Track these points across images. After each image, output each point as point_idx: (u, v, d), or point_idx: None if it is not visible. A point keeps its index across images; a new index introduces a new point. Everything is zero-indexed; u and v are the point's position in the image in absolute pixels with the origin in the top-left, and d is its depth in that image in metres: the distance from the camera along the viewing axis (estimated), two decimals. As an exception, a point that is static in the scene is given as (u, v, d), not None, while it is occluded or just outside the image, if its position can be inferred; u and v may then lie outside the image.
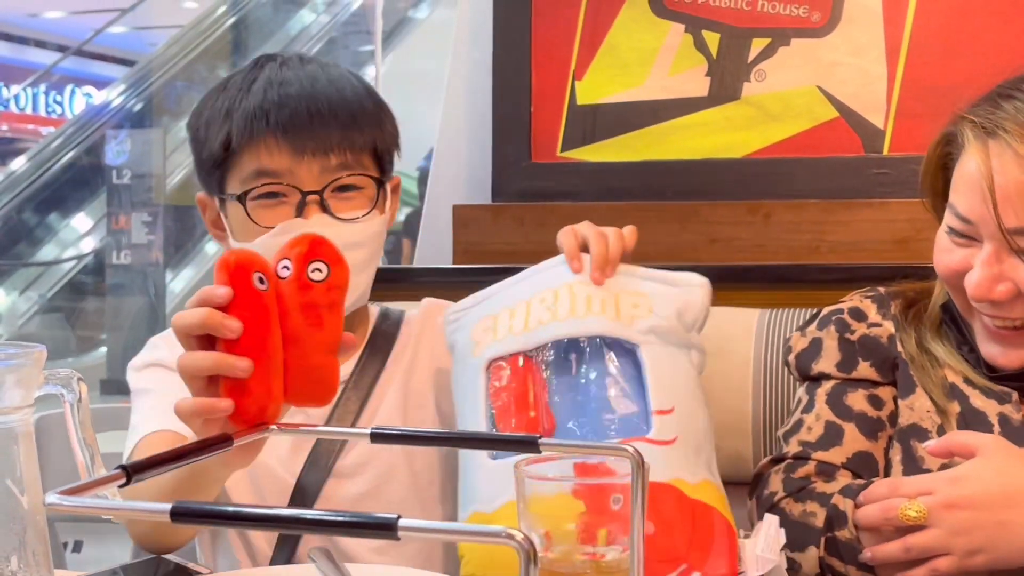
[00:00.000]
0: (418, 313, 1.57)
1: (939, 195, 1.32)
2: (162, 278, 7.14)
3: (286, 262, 0.94)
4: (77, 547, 2.50)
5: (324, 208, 1.38)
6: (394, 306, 1.61)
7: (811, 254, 1.83)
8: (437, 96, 2.17)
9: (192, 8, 10.02)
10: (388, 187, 1.47)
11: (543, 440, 0.87)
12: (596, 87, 1.96)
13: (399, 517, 0.63)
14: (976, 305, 1.24)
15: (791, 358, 1.40)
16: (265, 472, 1.41)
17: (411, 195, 5.45)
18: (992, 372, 1.28)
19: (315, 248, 0.94)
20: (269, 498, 1.40)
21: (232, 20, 9.01)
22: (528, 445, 0.88)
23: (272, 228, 1.37)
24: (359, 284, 1.43)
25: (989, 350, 1.26)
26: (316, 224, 1.35)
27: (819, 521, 1.19)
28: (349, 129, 1.40)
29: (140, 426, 1.40)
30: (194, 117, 1.47)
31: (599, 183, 1.94)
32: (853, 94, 1.84)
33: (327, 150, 1.38)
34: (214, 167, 1.42)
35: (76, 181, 8.19)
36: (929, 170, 1.32)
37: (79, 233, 8.14)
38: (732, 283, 1.80)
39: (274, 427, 0.92)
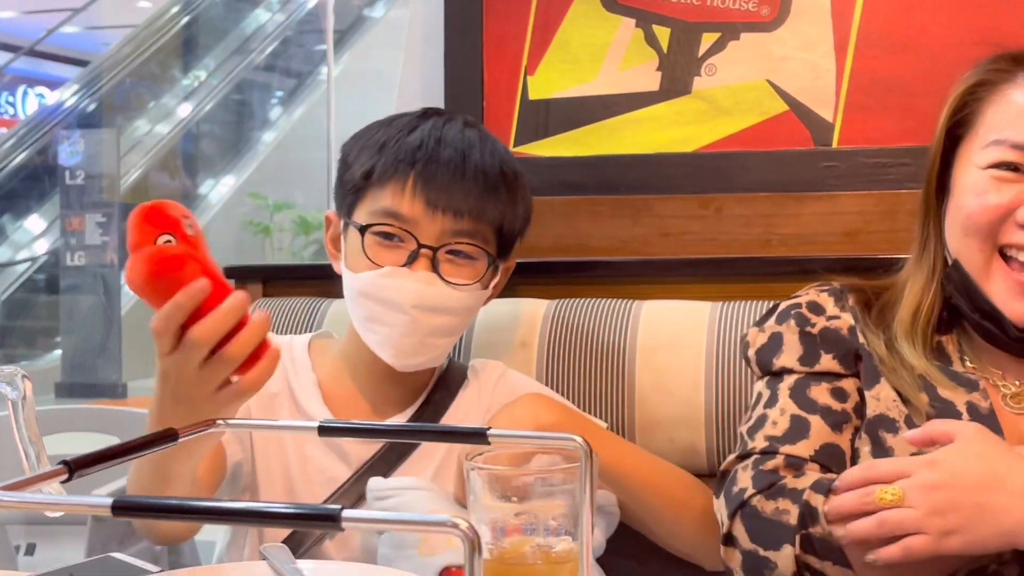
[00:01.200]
0: (474, 375, 1.60)
1: (942, 160, 1.33)
2: (117, 279, 7.08)
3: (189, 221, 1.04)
4: (30, 550, 2.47)
5: (434, 265, 1.43)
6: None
7: (762, 247, 1.84)
8: (389, 94, 2.16)
9: (146, 7, 9.95)
10: (501, 266, 1.52)
11: (492, 431, 0.87)
12: (548, 82, 1.96)
13: (343, 508, 0.62)
14: (1019, 240, 1.24)
15: (751, 353, 1.39)
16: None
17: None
18: (1020, 332, 1.26)
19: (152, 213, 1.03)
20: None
21: (186, 19, 8.96)
22: (477, 436, 0.88)
23: (380, 267, 1.43)
24: (438, 346, 1.49)
25: (1018, 308, 1.25)
26: (420, 279, 1.42)
27: (792, 519, 1.18)
28: (484, 200, 1.45)
29: None
30: (351, 140, 1.53)
31: (552, 177, 1.94)
32: (802, 88, 1.85)
33: (457, 212, 1.43)
34: (351, 191, 1.48)
35: (29, 182, 8.12)
36: (943, 131, 1.33)
37: (32, 235, 8.07)
38: (684, 276, 1.81)
39: (221, 421, 0.91)
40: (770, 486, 1.23)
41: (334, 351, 1.57)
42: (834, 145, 1.84)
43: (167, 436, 0.84)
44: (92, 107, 8.29)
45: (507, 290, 1.66)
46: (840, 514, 1.13)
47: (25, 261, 7.91)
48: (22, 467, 0.96)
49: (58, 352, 7.27)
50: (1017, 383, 1.29)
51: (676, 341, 1.67)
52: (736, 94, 1.88)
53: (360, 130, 1.55)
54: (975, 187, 1.27)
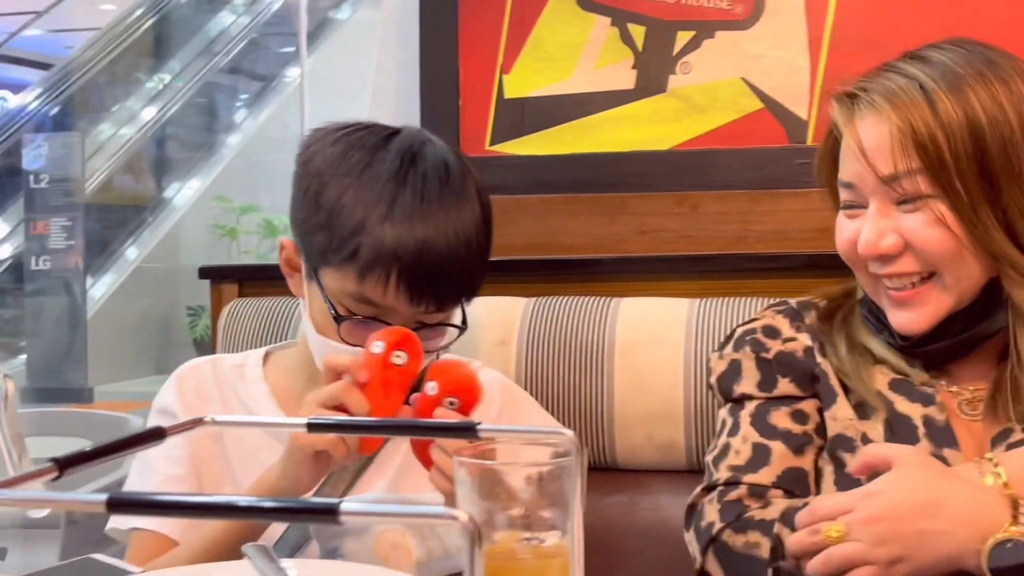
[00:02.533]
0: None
1: (833, 186, 1.35)
2: (82, 283, 7.02)
3: (379, 343, 1.23)
4: (0, 554, 2.44)
5: None
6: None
7: (738, 244, 1.85)
8: (360, 96, 2.16)
9: (110, 10, 9.85)
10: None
11: (482, 425, 0.87)
12: (523, 81, 1.96)
13: (341, 501, 0.62)
14: (872, 268, 1.26)
15: (713, 381, 1.39)
16: None
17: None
18: (904, 341, 1.28)
19: (403, 340, 1.23)
20: None
21: (151, 21, 8.89)
22: (467, 431, 0.87)
23: (347, 342, 1.37)
24: None
25: (897, 319, 1.27)
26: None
27: (764, 552, 1.18)
28: (464, 290, 1.40)
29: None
30: (315, 178, 1.39)
31: (529, 176, 1.94)
32: (777, 85, 1.86)
33: (440, 304, 1.39)
34: (321, 250, 1.37)
35: (-8, 186, 8.02)
36: (823, 163, 1.35)
37: (-3, 239, 7.96)
38: (662, 274, 1.81)
39: (209, 419, 0.90)
40: (737, 518, 1.23)
41: (293, 358, 1.54)
42: (809, 142, 1.85)
43: (155, 434, 0.83)
44: (56, 110, 8.21)
45: (484, 288, 1.66)
46: (795, 553, 1.14)
47: (-12, 266, 7.82)
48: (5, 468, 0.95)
49: (23, 357, 7.19)
50: (971, 388, 1.30)
51: (654, 338, 1.67)
52: (711, 92, 1.88)
53: (328, 160, 1.40)
54: (838, 225, 1.31)
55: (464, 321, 1.45)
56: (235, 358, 1.55)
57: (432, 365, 1.23)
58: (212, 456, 1.47)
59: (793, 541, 1.14)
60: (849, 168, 1.26)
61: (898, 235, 1.23)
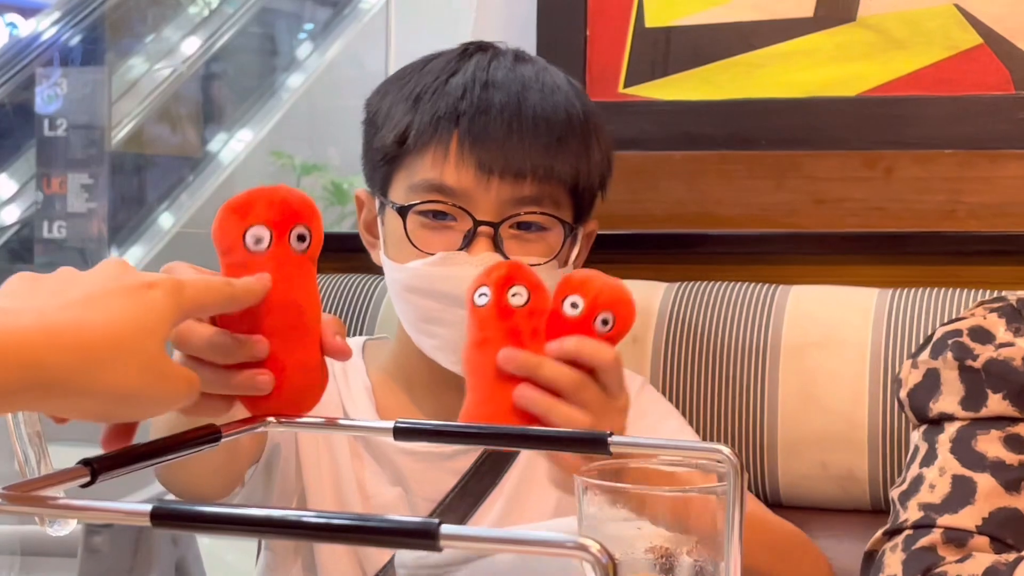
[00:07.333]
0: None
1: None
2: (105, 256, 7.17)
3: (484, 289, 1.15)
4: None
5: (496, 245, 1.43)
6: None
7: (945, 219, 1.83)
8: (461, 25, 2.18)
9: (144, -85, 10.04)
10: (580, 232, 1.52)
11: (615, 438, 0.87)
12: (669, 5, 1.96)
13: (440, 523, 0.63)
14: None
15: (903, 395, 1.39)
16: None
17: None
18: None
19: (514, 274, 1.16)
20: None
21: (196, -70, 9.03)
22: (596, 444, 0.88)
23: (430, 255, 1.42)
24: None
25: None
26: (481, 263, 1.37)
27: None
28: (550, 154, 1.44)
29: None
30: (376, 95, 1.53)
31: (673, 127, 1.95)
32: (1001, 15, 1.84)
33: (518, 175, 1.43)
34: (382, 162, 1.48)
35: (-3, 133, 8.20)
36: None
37: (0, 199, 8.16)
38: (843, 255, 1.82)
39: (271, 419, 0.92)
40: (926, 572, 1.22)
41: (385, 354, 1.60)
42: (1041, 89, 1.83)
43: (209, 435, 0.85)
44: (76, 40, 8.38)
45: (614, 270, 1.66)
46: None
47: (-9, 233, 8.02)
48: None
49: (32, 346, 7.35)
50: None
51: (833, 338, 1.67)
52: (914, 22, 1.87)
53: (387, 79, 1.54)
54: None
55: (575, 221, 1.48)
56: None
57: (565, 278, 1.20)
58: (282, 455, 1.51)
59: None
60: None
61: None
